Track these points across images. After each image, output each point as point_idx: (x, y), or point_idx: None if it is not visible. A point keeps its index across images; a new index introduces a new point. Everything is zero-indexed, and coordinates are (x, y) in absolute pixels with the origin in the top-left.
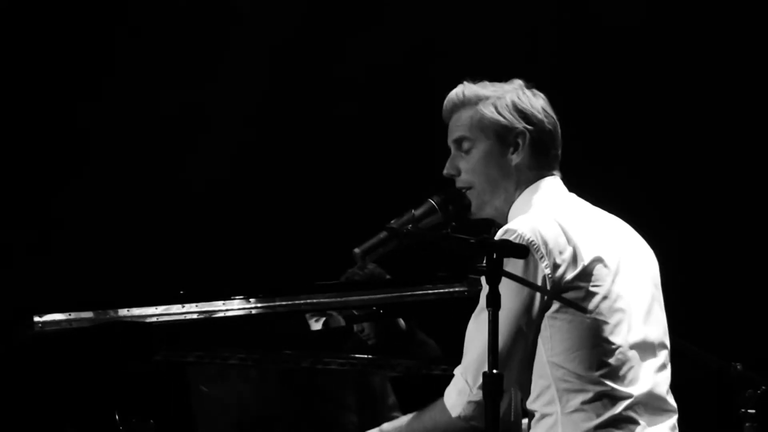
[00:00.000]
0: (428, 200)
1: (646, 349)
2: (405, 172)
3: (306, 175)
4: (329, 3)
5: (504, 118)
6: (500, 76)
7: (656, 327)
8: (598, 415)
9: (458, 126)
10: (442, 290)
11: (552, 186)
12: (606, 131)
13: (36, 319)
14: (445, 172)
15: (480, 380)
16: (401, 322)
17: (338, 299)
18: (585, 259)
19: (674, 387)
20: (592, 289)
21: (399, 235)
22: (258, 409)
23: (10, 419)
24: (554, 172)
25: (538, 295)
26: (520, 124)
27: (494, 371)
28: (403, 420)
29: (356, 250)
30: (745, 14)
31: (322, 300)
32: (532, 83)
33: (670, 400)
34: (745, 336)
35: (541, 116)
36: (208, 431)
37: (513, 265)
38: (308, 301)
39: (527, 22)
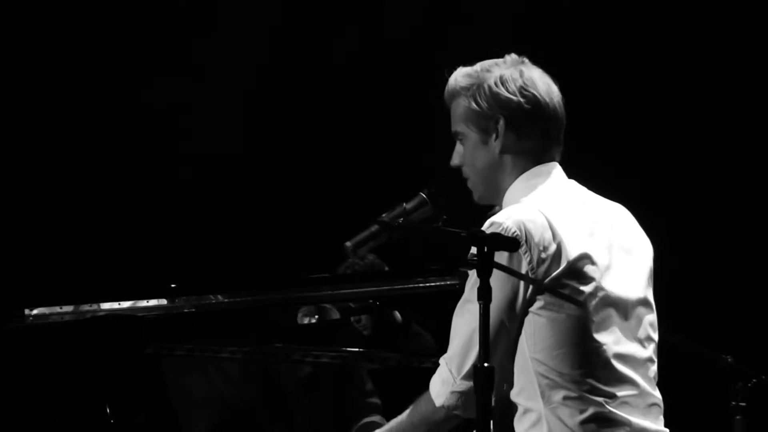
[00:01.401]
0: (419, 193)
1: (632, 345)
2: (397, 165)
3: (299, 167)
4: None
5: (480, 107)
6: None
7: (644, 321)
8: (582, 412)
9: (453, 119)
10: (433, 283)
11: (546, 174)
12: (600, 123)
13: (26, 312)
14: (451, 163)
15: (464, 370)
16: (396, 314)
17: (330, 292)
18: (571, 256)
19: (664, 380)
20: (577, 286)
21: (390, 228)
22: (246, 402)
23: (1, 412)
24: (546, 157)
25: (521, 288)
26: (495, 111)
27: (485, 364)
28: (394, 420)
29: (347, 244)
30: (736, 6)
31: (314, 293)
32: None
33: (656, 393)
34: (735, 328)
35: (517, 98)
36: (196, 423)
37: (497, 259)
38: (300, 294)
39: (522, 9)
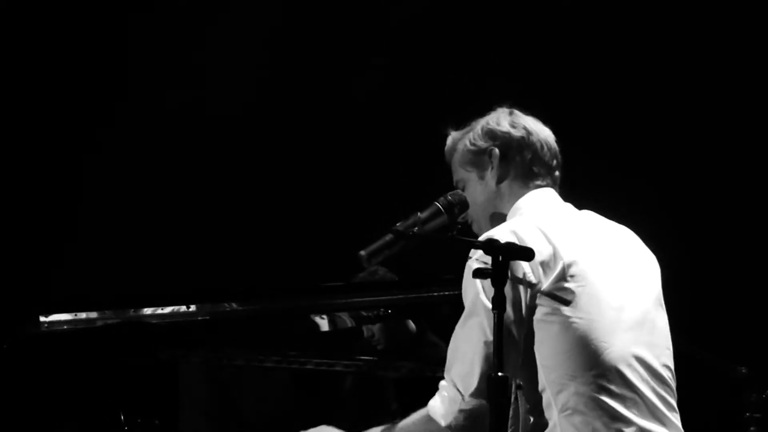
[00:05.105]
0: (434, 203)
1: (643, 350)
2: (412, 175)
3: (314, 177)
4: None
5: (474, 145)
6: (501, 75)
7: (654, 329)
8: (595, 417)
9: (454, 173)
10: (448, 292)
11: (538, 197)
12: (615, 136)
13: (42, 319)
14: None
15: (472, 388)
16: (411, 323)
17: (344, 300)
18: (567, 259)
19: (679, 390)
20: (577, 289)
21: (405, 238)
22: (260, 409)
23: (16, 418)
24: (541, 182)
25: (522, 294)
26: (489, 144)
27: (500, 374)
28: None
29: (362, 253)
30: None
31: (328, 302)
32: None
33: (672, 401)
34: (750, 340)
35: (506, 129)
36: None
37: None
38: (314, 302)
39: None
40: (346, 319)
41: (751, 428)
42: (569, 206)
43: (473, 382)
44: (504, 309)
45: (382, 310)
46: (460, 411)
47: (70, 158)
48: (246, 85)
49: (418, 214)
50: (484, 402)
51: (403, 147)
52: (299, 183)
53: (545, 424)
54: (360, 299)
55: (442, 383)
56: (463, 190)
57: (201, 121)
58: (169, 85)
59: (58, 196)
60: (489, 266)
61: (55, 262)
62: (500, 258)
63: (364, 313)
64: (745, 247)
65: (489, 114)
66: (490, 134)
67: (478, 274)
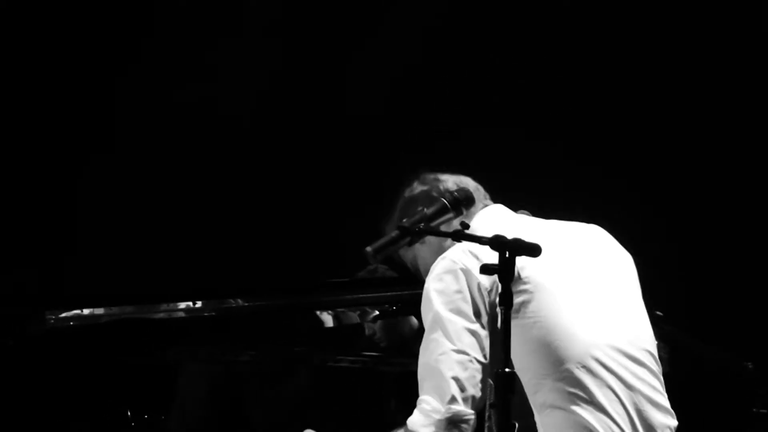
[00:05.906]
0: (440, 199)
1: (618, 338)
2: (412, 173)
3: (321, 173)
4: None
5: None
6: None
7: (629, 318)
8: (574, 410)
9: (402, 258)
10: None
11: (487, 214)
12: (616, 135)
13: (48, 315)
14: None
15: (448, 396)
16: (413, 320)
17: (349, 297)
18: (518, 263)
19: (686, 386)
20: (533, 289)
21: (411, 234)
22: (262, 407)
23: (22, 413)
24: (487, 202)
25: (480, 306)
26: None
27: (506, 369)
28: None
29: (368, 249)
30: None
31: (333, 298)
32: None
33: (657, 384)
34: (757, 335)
35: (408, 197)
36: (211, 426)
37: (451, 279)
38: (320, 298)
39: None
40: (351, 316)
41: (758, 424)
42: (523, 215)
43: (449, 390)
44: (511, 305)
45: (387, 306)
46: (440, 420)
47: (74, 155)
48: (252, 85)
49: (424, 209)
50: (462, 407)
51: (403, 146)
52: (301, 181)
53: (530, 426)
54: (364, 295)
55: (419, 399)
56: (416, 262)
57: (206, 120)
58: (175, 84)
59: (64, 194)
60: (475, 266)
61: (61, 260)
62: (506, 254)
63: (368, 310)
64: (750, 242)
65: (401, 192)
66: (402, 214)
67: (484, 270)
